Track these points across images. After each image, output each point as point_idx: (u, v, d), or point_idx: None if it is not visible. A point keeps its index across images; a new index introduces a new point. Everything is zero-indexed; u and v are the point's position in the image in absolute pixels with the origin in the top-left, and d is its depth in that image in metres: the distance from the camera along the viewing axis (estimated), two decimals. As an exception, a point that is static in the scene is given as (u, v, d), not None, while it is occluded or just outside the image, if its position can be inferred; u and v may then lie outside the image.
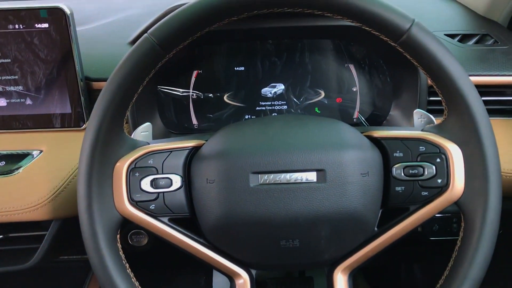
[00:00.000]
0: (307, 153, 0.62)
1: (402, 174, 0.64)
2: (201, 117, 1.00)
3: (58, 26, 0.80)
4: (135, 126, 0.85)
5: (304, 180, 0.61)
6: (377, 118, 0.99)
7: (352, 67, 0.99)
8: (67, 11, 0.79)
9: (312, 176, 0.61)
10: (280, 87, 1.00)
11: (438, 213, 0.92)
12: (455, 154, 0.62)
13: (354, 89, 1.00)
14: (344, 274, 0.67)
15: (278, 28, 0.90)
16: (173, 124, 0.99)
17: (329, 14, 0.60)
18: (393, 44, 0.61)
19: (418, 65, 0.61)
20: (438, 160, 0.63)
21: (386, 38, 0.61)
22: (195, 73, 0.99)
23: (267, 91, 1.00)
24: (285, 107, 1.00)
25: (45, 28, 0.80)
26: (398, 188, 0.64)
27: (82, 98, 0.83)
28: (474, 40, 0.93)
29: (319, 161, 0.61)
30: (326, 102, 1.00)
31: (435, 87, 0.62)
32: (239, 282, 0.67)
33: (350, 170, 0.61)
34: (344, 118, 1.00)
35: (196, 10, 0.59)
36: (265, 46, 0.97)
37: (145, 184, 0.63)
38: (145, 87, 0.92)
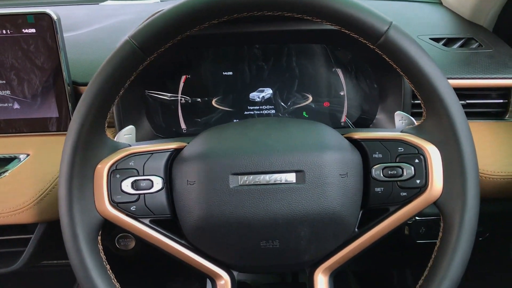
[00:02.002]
0: (287, 155, 0.62)
1: (381, 175, 0.64)
2: (190, 121, 1.01)
3: (45, 32, 0.81)
4: (121, 130, 0.85)
5: (283, 181, 0.62)
6: (364, 122, 1.00)
7: (339, 71, 1.00)
8: (54, 17, 0.80)
9: (291, 177, 0.62)
10: (268, 92, 1.00)
11: (424, 216, 0.93)
12: (434, 155, 0.63)
13: (342, 93, 1.00)
14: (324, 275, 0.67)
15: (264, 32, 0.90)
16: (162, 128, 1.00)
17: (308, 17, 0.60)
18: (371, 46, 0.62)
19: (396, 67, 0.62)
20: (416, 160, 0.63)
21: (364, 41, 0.62)
22: (183, 78, 0.99)
23: (255, 95, 1.00)
24: (273, 111, 1.01)
25: (32, 33, 0.81)
26: (378, 189, 0.65)
27: (69, 103, 0.84)
28: (458, 44, 0.94)
29: (298, 162, 0.62)
30: (313, 106, 1.01)
31: (413, 88, 0.63)
32: (220, 283, 0.67)
33: (329, 171, 0.62)
34: (332, 122, 1.01)
35: (176, 14, 0.60)
36: (252, 51, 0.98)
37: (126, 185, 0.64)
38: (133, 92, 0.93)
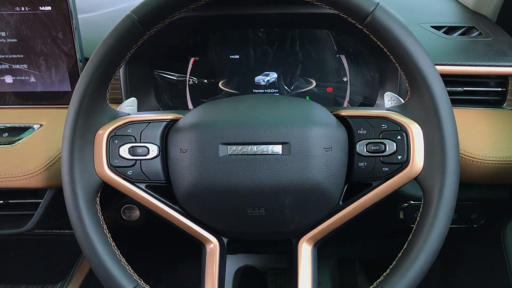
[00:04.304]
0: (274, 127, 0.66)
1: (365, 150, 0.67)
2: (196, 102, 1.05)
3: (60, 10, 0.86)
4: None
5: (270, 152, 0.65)
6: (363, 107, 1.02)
7: (343, 57, 1.02)
8: (69, -4, 0.85)
9: (277, 149, 0.65)
10: (273, 76, 1.04)
11: (419, 200, 0.95)
12: (416, 132, 0.65)
13: (345, 79, 1.03)
14: (309, 244, 0.70)
15: (267, 14, 0.94)
16: (169, 107, 1.05)
17: None
18: (359, 26, 0.64)
19: (382, 46, 0.65)
20: (398, 137, 0.66)
21: (353, 21, 0.65)
22: (192, 60, 1.04)
23: (260, 79, 1.04)
24: (277, 95, 1.04)
25: (48, 11, 0.86)
26: (361, 164, 0.67)
27: (81, 78, 0.89)
28: (459, 32, 0.95)
29: (285, 135, 0.65)
30: (316, 91, 1.03)
31: (399, 68, 0.65)
32: (209, 247, 0.71)
33: (313, 144, 0.65)
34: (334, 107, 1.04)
35: None
36: (257, 35, 1.01)
37: (123, 151, 0.68)
38: (142, 71, 0.98)
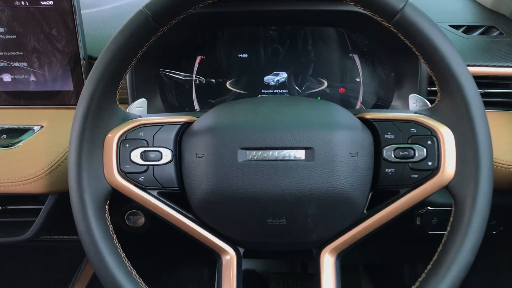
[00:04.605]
0: (297, 131, 0.61)
1: (393, 155, 0.63)
2: (203, 102, 1.01)
3: (62, 4, 0.81)
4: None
5: (292, 158, 0.61)
6: (379, 108, 0.98)
7: (356, 57, 0.98)
8: (72, -10, 0.81)
9: (300, 154, 0.61)
10: (283, 75, 1.00)
11: (437, 206, 0.91)
12: (447, 137, 0.61)
13: (358, 80, 0.99)
14: (331, 255, 0.67)
15: (279, 11, 0.90)
16: (175, 108, 1.00)
17: None
18: (386, 24, 0.61)
19: (411, 46, 0.61)
20: (429, 142, 0.62)
21: (379, 19, 0.61)
22: (198, 58, 0.99)
23: (269, 79, 1.00)
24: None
25: (50, 5, 0.81)
26: (388, 170, 0.64)
27: (84, 77, 0.84)
28: (479, 31, 0.92)
29: (308, 139, 0.61)
30: (328, 91, 1.00)
31: (428, 68, 0.62)
32: (225, 258, 0.67)
33: (339, 150, 0.61)
34: (347, 109, 1.00)
35: None
36: (267, 33, 0.97)
37: (135, 156, 0.64)
38: (147, 70, 0.94)
